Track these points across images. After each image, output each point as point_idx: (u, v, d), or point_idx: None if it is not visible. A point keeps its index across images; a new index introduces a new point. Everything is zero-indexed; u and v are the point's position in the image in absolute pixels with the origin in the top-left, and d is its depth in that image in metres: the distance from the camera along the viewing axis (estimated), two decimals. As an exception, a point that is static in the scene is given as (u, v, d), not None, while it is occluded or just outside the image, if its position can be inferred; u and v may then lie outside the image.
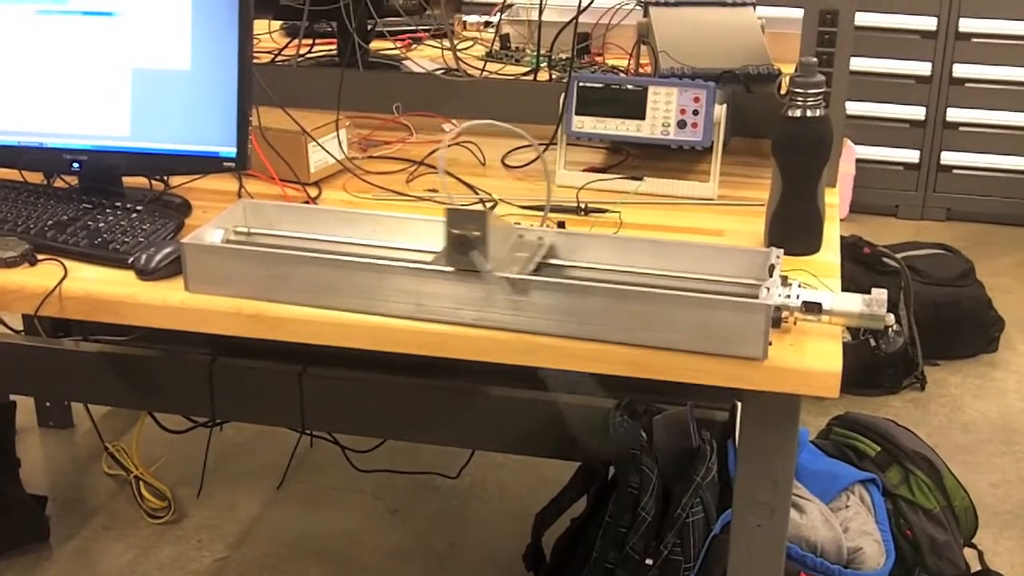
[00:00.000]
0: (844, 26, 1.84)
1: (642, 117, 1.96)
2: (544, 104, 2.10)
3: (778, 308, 1.42)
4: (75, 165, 1.85)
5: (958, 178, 4.49)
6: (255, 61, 1.86)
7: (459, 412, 2.35)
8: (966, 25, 4.28)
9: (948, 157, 4.46)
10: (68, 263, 1.66)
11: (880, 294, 1.44)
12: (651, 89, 1.96)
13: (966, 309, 3.50)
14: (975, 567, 2.31)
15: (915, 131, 4.45)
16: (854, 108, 4.30)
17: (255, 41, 1.85)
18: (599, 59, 2.57)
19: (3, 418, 2.65)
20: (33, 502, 2.65)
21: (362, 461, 2.69)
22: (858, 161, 4.39)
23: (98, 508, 2.75)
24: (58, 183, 1.92)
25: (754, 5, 2.43)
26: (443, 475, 2.78)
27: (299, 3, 2.35)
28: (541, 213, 1.84)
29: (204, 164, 1.83)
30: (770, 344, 1.40)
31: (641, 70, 2.40)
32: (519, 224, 1.68)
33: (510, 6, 2.82)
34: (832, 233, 1.73)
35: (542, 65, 2.43)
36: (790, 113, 1.64)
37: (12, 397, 2.72)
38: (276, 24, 2.77)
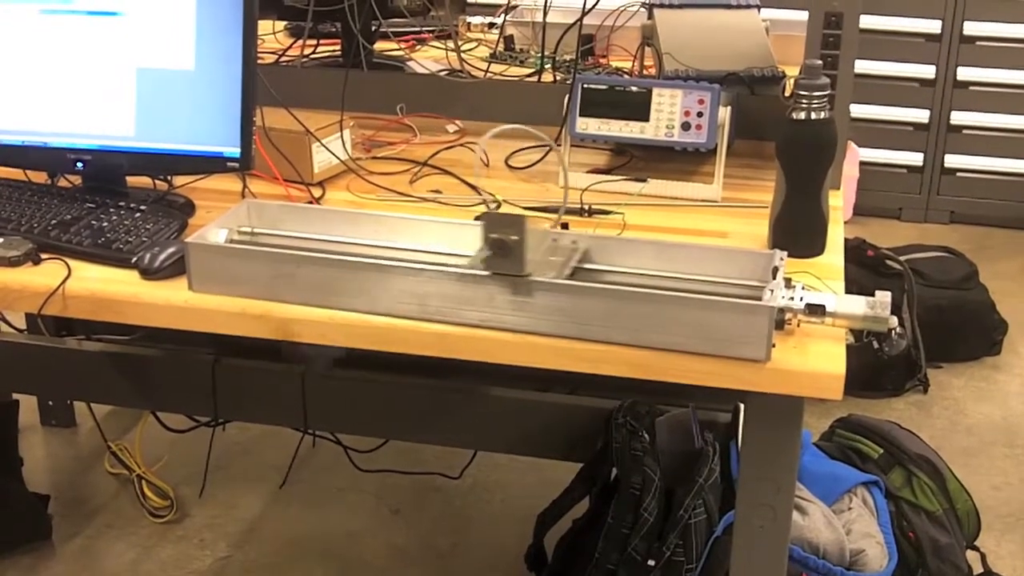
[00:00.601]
0: (849, 29, 1.84)
1: (646, 119, 1.96)
2: (548, 106, 2.10)
3: (781, 310, 1.42)
4: (79, 164, 1.86)
5: (962, 181, 4.48)
6: (259, 61, 1.87)
7: (462, 413, 2.36)
8: (970, 28, 4.28)
9: (952, 160, 4.46)
10: (72, 262, 1.66)
11: (884, 297, 1.43)
12: (655, 91, 1.96)
13: (969, 312, 3.50)
14: (977, 570, 2.32)
15: (919, 134, 4.45)
16: (858, 111, 4.29)
17: (259, 41, 1.85)
18: (603, 61, 2.57)
19: (6, 417, 2.65)
20: (36, 501, 2.65)
21: (364, 461, 2.69)
22: (862, 164, 4.39)
23: (101, 507, 2.76)
24: (62, 182, 1.93)
25: (759, 7, 2.43)
26: (445, 475, 2.78)
27: (303, 3, 2.36)
28: (545, 215, 1.85)
29: (208, 164, 1.83)
30: (773, 346, 1.40)
31: (645, 72, 2.40)
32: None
33: (514, 7, 2.82)
34: (836, 235, 1.73)
35: (546, 67, 2.43)
36: (794, 115, 1.64)
37: (15, 396, 2.72)
38: (280, 24, 2.77)
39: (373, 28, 2.54)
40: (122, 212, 1.76)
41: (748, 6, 2.42)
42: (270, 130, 1.93)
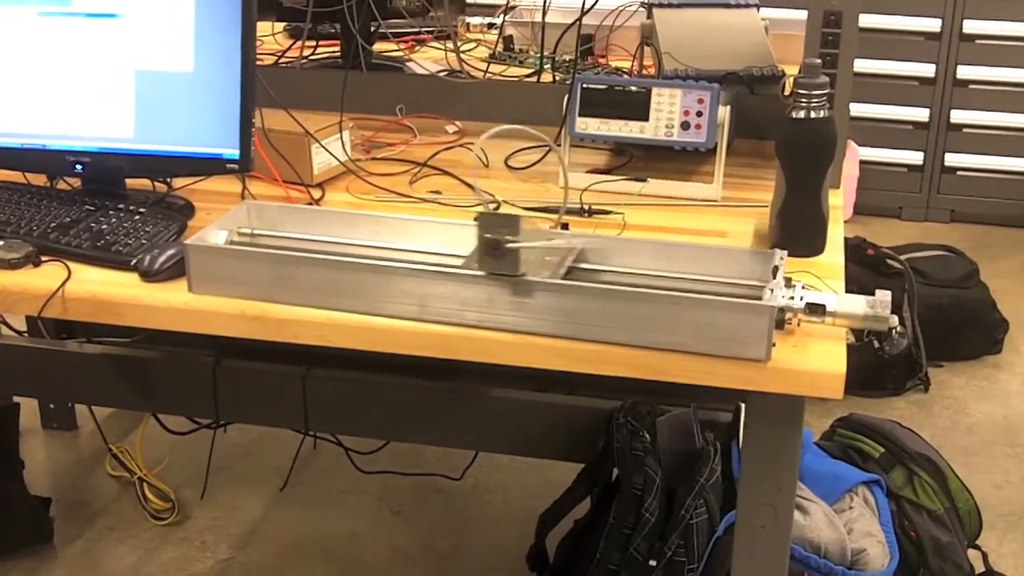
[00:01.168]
0: (848, 27, 1.84)
1: (646, 119, 1.96)
2: (547, 106, 2.10)
3: (782, 310, 1.42)
4: (78, 167, 1.85)
5: (962, 180, 4.48)
6: (258, 63, 1.87)
7: (462, 414, 2.36)
8: (970, 27, 4.27)
9: (952, 159, 4.46)
10: (71, 265, 1.66)
11: (884, 296, 1.43)
12: (655, 90, 1.96)
13: (970, 311, 3.49)
14: (979, 568, 2.31)
15: (919, 133, 4.45)
16: (858, 110, 4.29)
17: (258, 43, 1.85)
18: (603, 61, 2.57)
19: (7, 420, 2.65)
20: (37, 504, 2.65)
21: (366, 463, 2.69)
22: (862, 163, 4.39)
23: (102, 510, 2.76)
24: (61, 185, 1.93)
25: (758, 6, 2.43)
26: (447, 476, 2.77)
27: (302, 5, 2.36)
28: (544, 215, 1.85)
29: (207, 166, 1.83)
30: (774, 345, 1.40)
31: (645, 72, 2.39)
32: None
33: (513, 8, 2.82)
34: (836, 235, 1.73)
35: (545, 67, 2.43)
36: (794, 114, 1.63)
37: (16, 399, 2.72)
38: (279, 26, 2.77)
39: (372, 29, 2.54)
40: (121, 214, 1.76)
41: (747, 5, 2.42)
42: (269, 131, 1.93)
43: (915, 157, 4.49)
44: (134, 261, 1.64)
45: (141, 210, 1.77)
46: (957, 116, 4.40)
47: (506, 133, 1.74)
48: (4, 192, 1.84)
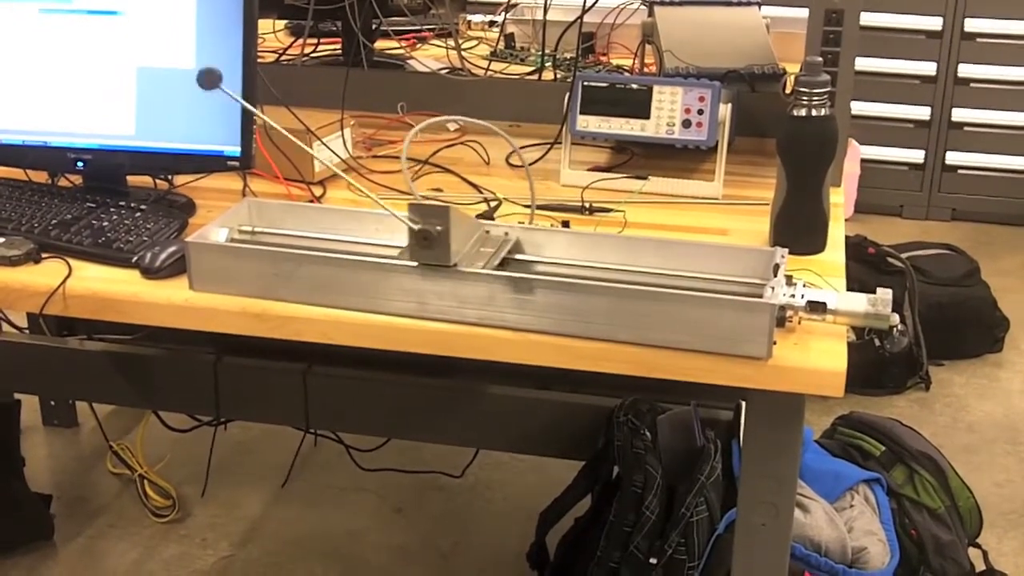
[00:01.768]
0: (849, 26, 1.84)
1: (647, 116, 1.96)
2: (549, 103, 2.10)
3: (783, 307, 1.42)
4: (79, 164, 1.86)
5: (963, 178, 4.48)
6: (260, 60, 1.87)
7: (463, 411, 2.36)
8: (971, 25, 4.27)
9: (953, 157, 4.46)
10: (72, 262, 1.66)
11: (885, 294, 1.43)
12: (656, 88, 1.96)
13: (971, 309, 3.49)
14: (980, 567, 2.31)
15: (920, 131, 4.45)
16: (859, 108, 4.30)
17: (259, 40, 1.85)
18: (604, 58, 2.57)
19: (8, 417, 2.65)
20: (38, 501, 2.65)
21: (366, 460, 2.69)
22: (863, 161, 4.39)
23: (103, 507, 2.76)
24: (62, 182, 1.93)
25: (759, 4, 2.43)
26: (447, 474, 2.78)
27: (304, 2, 2.36)
28: (545, 212, 1.85)
29: (208, 163, 1.83)
30: (774, 343, 1.40)
31: (646, 69, 2.39)
32: (522, 223, 1.68)
33: (515, 5, 2.82)
34: (837, 233, 1.73)
35: (547, 64, 2.43)
36: (795, 112, 1.63)
37: (17, 396, 2.72)
38: (281, 23, 2.78)
39: (373, 27, 2.55)
40: (123, 211, 1.76)
41: (748, 3, 2.42)
42: (271, 129, 1.93)
43: (916, 155, 4.49)
44: (135, 258, 1.64)
45: (142, 207, 1.77)
46: (958, 114, 4.39)
47: (486, 129, 1.73)
48: (5, 189, 1.85)
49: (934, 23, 4.30)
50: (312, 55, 2.56)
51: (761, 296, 1.43)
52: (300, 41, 2.53)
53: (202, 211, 1.86)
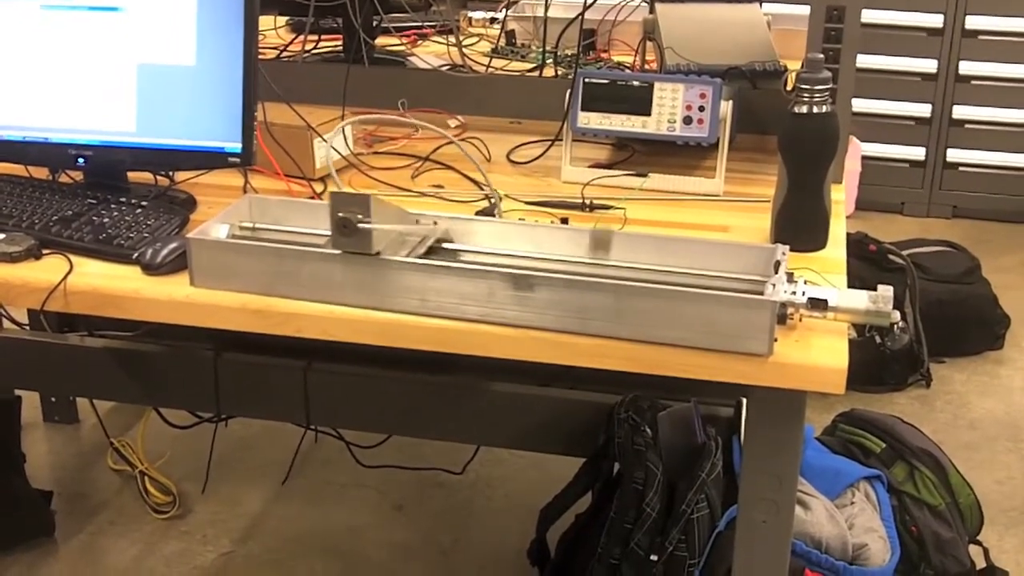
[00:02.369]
0: (851, 22, 1.84)
1: (648, 113, 1.96)
2: (550, 100, 2.10)
3: (784, 304, 1.42)
4: (80, 160, 1.85)
5: (964, 175, 4.48)
6: (260, 57, 1.86)
7: (464, 408, 2.36)
8: (972, 22, 4.27)
9: (954, 154, 4.46)
10: (73, 258, 1.66)
11: (886, 291, 1.43)
12: (657, 85, 1.96)
13: (972, 306, 3.49)
14: (980, 564, 2.31)
15: (921, 128, 4.45)
16: (860, 105, 4.30)
17: (260, 37, 1.85)
18: (605, 55, 2.57)
19: (8, 413, 2.65)
20: (39, 497, 2.65)
21: (367, 457, 2.69)
22: (864, 158, 4.37)
23: (103, 503, 2.76)
24: (63, 178, 1.93)
25: (760, 1, 2.43)
26: (448, 471, 2.78)
27: (305, -1, 2.36)
28: (546, 209, 1.85)
29: (209, 160, 1.83)
30: (775, 340, 1.40)
31: (647, 66, 2.39)
32: (523, 219, 1.68)
33: (516, 2, 2.82)
34: (838, 230, 1.73)
35: (548, 61, 2.43)
36: (796, 109, 1.63)
37: (17, 392, 2.72)
38: (282, 20, 2.78)
39: (374, 23, 2.55)
40: (123, 208, 1.76)
41: (750, 0, 2.42)
42: (271, 125, 1.93)
43: (917, 153, 4.49)
44: (136, 254, 1.64)
45: (143, 204, 1.77)
46: (959, 112, 4.39)
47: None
48: (6, 185, 1.85)
49: (935, 20, 4.30)
50: (313, 52, 2.56)
51: (762, 293, 1.43)
52: (301, 38, 2.53)
53: (203, 207, 1.86)
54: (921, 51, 4.35)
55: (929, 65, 4.36)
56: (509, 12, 2.74)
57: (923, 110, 4.42)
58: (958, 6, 4.25)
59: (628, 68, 2.43)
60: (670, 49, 2.21)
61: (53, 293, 1.60)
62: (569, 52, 2.45)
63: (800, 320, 1.45)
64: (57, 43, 1.84)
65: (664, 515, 1.95)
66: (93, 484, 2.84)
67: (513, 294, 1.46)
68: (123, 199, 1.78)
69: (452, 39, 2.51)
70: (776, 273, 1.47)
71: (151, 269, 1.62)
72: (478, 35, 2.76)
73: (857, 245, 3.34)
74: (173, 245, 1.63)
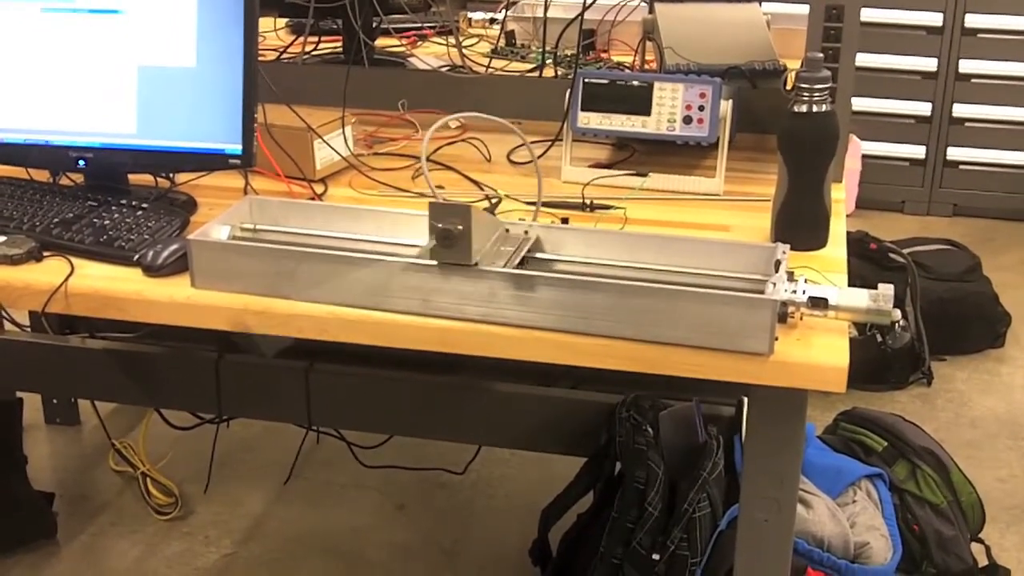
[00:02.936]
0: (850, 21, 1.84)
1: (648, 113, 1.96)
2: (550, 100, 2.10)
3: (784, 303, 1.42)
4: (81, 163, 1.86)
5: (964, 174, 4.48)
6: (260, 58, 1.87)
7: (465, 408, 2.36)
8: (972, 20, 4.27)
9: (954, 153, 4.46)
10: (74, 260, 1.66)
11: (887, 289, 1.43)
12: (657, 85, 1.96)
13: (972, 304, 3.49)
14: (982, 562, 2.32)
15: (921, 127, 4.45)
16: (860, 104, 4.30)
17: (260, 38, 1.85)
18: (604, 55, 2.57)
19: (10, 415, 2.65)
20: (41, 499, 2.65)
21: (368, 457, 2.69)
22: (864, 157, 4.35)
23: (105, 505, 2.76)
24: (64, 181, 1.93)
25: (760, 1, 2.43)
26: (449, 471, 2.78)
27: (304, 0, 2.36)
28: (546, 209, 1.85)
29: (210, 161, 1.83)
30: (776, 339, 1.40)
31: (647, 66, 2.39)
32: (523, 220, 1.68)
33: (515, 3, 2.82)
34: (838, 229, 1.73)
35: (547, 62, 2.43)
36: (796, 108, 1.63)
37: (19, 394, 2.72)
38: (281, 21, 2.78)
39: (374, 24, 2.55)
40: (124, 210, 1.76)
41: (749, 0, 2.42)
42: (272, 127, 1.93)
43: (917, 151, 4.49)
44: (137, 256, 1.64)
45: (144, 206, 1.77)
46: (959, 110, 4.39)
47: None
48: (7, 188, 1.85)
49: (935, 19, 4.30)
50: (313, 53, 2.56)
51: (763, 292, 1.43)
52: (301, 39, 2.53)
53: (203, 209, 1.86)
54: (921, 49, 4.35)
55: (929, 63, 4.36)
56: (509, 13, 2.74)
57: (923, 108, 4.42)
58: (957, 4, 4.25)
59: (628, 68, 2.43)
60: (670, 49, 2.21)
61: (54, 295, 1.60)
62: (569, 52, 2.45)
63: (801, 319, 1.45)
64: (57, 46, 1.84)
65: (666, 514, 1.95)
66: (95, 485, 2.84)
67: (517, 294, 1.46)
68: (124, 201, 1.79)
69: (452, 40, 2.51)
70: (777, 272, 1.47)
71: (152, 271, 1.62)
72: (478, 36, 2.77)
73: (858, 244, 3.35)
74: (174, 247, 1.64)
